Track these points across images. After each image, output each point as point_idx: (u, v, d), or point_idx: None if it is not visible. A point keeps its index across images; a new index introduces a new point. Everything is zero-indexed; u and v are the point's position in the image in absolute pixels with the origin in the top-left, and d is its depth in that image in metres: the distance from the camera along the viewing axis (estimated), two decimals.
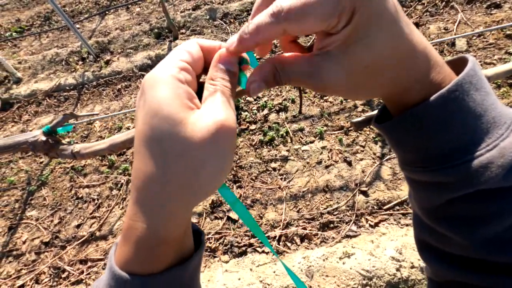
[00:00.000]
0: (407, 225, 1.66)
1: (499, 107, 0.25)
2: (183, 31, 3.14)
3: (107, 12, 3.75)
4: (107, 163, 2.33)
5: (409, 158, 0.29)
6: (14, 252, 2.04)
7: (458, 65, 0.27)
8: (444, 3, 2.61)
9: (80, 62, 3.18)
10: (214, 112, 0.23)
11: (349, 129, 2.09)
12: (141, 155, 0.23)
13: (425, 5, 2.65)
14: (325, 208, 1.79)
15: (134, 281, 0.23)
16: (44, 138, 0.66)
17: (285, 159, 2.05)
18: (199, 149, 0.22)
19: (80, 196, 2.21)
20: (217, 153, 0.23)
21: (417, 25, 2.55)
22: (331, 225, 1.74)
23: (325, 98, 2.31)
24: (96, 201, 2.15)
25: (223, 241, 1.80)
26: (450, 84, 0.24)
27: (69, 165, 2.39)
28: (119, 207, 2.10)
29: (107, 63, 3.06)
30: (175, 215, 0.24)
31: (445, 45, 2.35)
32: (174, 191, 0.23)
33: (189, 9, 3.39)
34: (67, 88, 2.97)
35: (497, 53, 2.20)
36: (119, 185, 2.19)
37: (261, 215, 1.86)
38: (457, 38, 2.36)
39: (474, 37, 2.34)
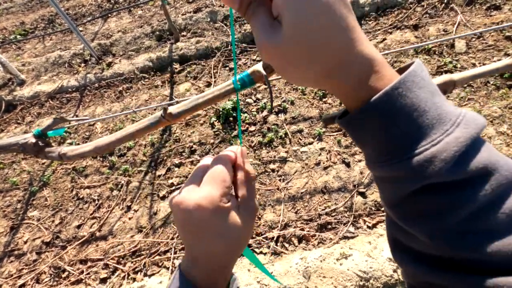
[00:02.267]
0: None
1: (445, 106, 0.26)
2: (184, 33, 3.17)
3: (109, 15, 3.80)
4: (108, 164, 2.35)
5: (368, 154, 0.30)
6: (16, 252, 2.07)
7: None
8: (443, 5, 2.61)
9: (83, 64, 3.21)
10: (252, 207, 0.37)
11: None
12: (203, 241, 0.34)
13: (425, 7, 2.65)
14: (323, 209, 1.80)
15: None
16: (34, 141, 0.68)
17: (283, 160, 2.06)
18: (247, 233, 0.36)
19: (81, 196, 2.23)
20: (251, 231, 0.37)
21: (416, 26, 2.55)
22: (329, 226, 1.74)
23: (324, 99, 2.32)
24: (96, 202, 2.18)
25: None
26: (393, 82, 0.25)
27: (70, 166, 2.42)
28: (119, 207, 2.12)
29: (109, 65, 3.09)
30: (227, 273, 0.37)
31: (444, 47, 2.35)
32: (232, 258, 0.37)
33: (190, 12, 3.42)
34: (70, 90, 3.01)
35: (496, 54, 2.20)
36: (119, 186, 2.21)
37: (259, 216, 1.87)
38: (457, 40, 2.37)
39: (474, 39, 2.33)
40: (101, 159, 2.42)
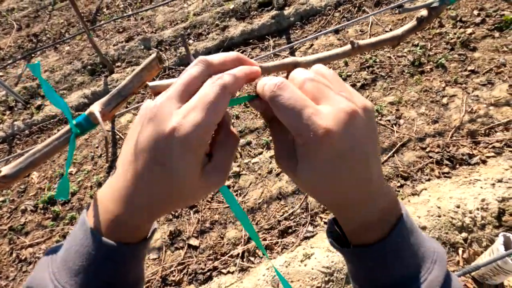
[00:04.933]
0: None
1: (425, 242, 0.30)
2: (119, 64, 3.08)
3: (33, 55, 3.54)
4: (51, 216, 2.15)
5: (362, 285, 0.32)
6: None
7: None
8: (356, 8, 2.91)
9: (8, 112, 2.93)
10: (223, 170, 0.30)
11: None
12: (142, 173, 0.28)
13: (341, 12, 2.93)
14: (281, 215, 1.84)
15: (121, 248, 0.29)
16: None
17: (237, 175, 2.08)
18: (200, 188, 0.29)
19: (23, 258, 2.00)
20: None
21: (337, 30, 2.80)
22: (290, 230, 1.78)
23: None
24: None
25: (187, 271, 1.74)
26: (393, 234, 0.29)
27: (6, 227, 2.16)
28: None
29: (39, 108, 2.87)
30: (156, 217, 0.32)
31: None
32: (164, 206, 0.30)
33: (122, 42, 3.33)
34: None
35: (406, 46, 2.50)
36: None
37: (222, 236, 1.85)
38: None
39: None
40: (42, 211, 2.20)
